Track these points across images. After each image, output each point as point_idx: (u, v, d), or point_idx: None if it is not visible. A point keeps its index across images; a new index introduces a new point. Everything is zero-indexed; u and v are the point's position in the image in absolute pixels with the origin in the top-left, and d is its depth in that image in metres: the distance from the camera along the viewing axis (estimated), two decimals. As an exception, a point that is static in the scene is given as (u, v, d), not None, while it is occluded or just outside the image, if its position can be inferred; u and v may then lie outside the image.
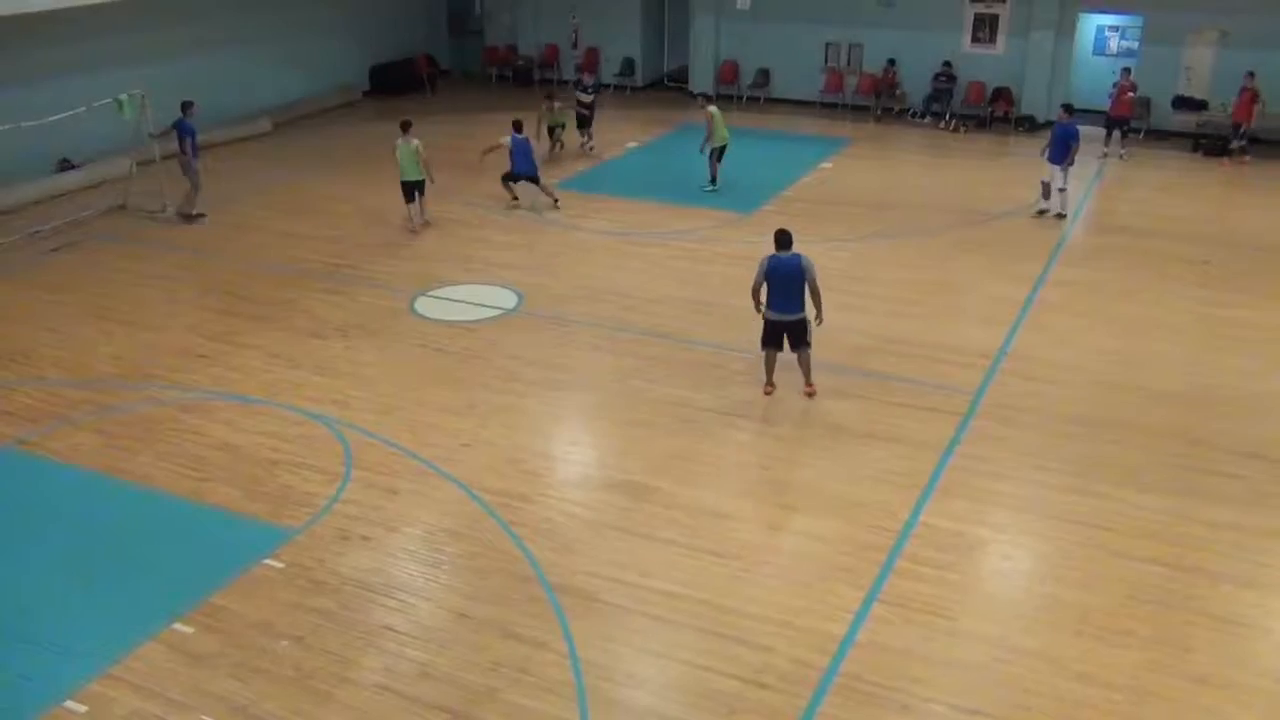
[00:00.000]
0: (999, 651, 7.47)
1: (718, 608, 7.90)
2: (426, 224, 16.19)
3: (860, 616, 7.80)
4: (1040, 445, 10.12)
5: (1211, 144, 19.84)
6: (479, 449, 10.10)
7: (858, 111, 23.43)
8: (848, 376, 11.41)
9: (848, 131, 22.05)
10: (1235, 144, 19.46)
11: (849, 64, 23.65)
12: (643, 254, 15.18)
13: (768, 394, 10.98)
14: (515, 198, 16.97)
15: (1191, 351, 12.06)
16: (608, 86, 25.45)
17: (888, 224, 16.39)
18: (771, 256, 10.52)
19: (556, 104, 19.62)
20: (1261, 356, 11.85)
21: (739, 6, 21.44)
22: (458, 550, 8.63)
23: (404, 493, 9.41)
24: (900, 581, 8.19)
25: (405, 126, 15.87)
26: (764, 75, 24.32)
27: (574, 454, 10.25)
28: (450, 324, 12.85)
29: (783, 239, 10.56)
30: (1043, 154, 16.35)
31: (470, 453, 10.03)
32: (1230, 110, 19.71)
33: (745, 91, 24.54)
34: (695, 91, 19.74)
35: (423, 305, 13.38)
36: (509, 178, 16.77)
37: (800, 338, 10.73)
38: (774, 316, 10.65)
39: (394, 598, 8.08)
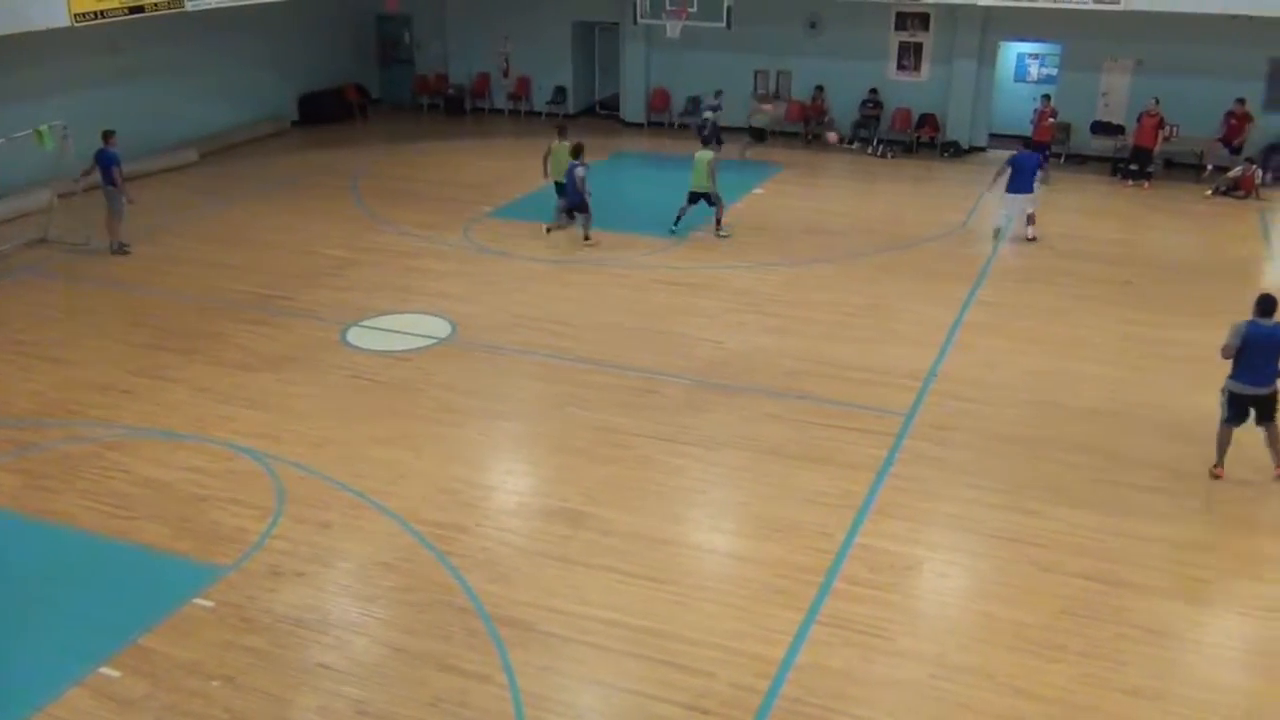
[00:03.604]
0: (936, 669, 7.54)
1: (657, 634, 7.88)
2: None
3: (799, 639, 7.83)
4: (972, 464, 10.27)
5: (1127, 168, 20.33)
6: (413, 480, 9.98)
7: (787, 138, 23.75)
8: (781, 400, 11.50)
9: (778, 158, 22.31)
10: (1148, 168, 19.96)
11: (778, 91, 23.99)
12: (577, 281, 15.18)
13: (1217, 477, 9.90)
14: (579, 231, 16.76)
15: (1115, 370, 12.34)
16: (539, 114, 25.50)
17: (818, 248, 16.59)
18: (1252, 323, 9.46)
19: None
20: (1182, 374, 12.14)
21: (669, 35, 21.59)
22: (393, 584, 8.50)
23: (337, 527, 9.26)
24: (838, 603, 8.24)
25: (561, 131, 17.10)
26: (694, 103, 24.55)
27: (510, 483, 10.17)
28: (383, 354, 12.71)
29: (1269, 305, 9.45)
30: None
31: (405, 484, 9.90)
32: (1131, 136, 20.25)
33: (676, 119, 24.76)
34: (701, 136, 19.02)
35: (355, 336, 13.22)
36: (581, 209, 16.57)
37: (1271, 411, 9.72)
38: (1243, 390, 9.59)
39: (329, 634, 7.93)
